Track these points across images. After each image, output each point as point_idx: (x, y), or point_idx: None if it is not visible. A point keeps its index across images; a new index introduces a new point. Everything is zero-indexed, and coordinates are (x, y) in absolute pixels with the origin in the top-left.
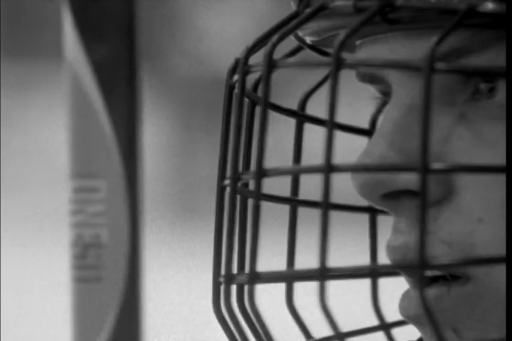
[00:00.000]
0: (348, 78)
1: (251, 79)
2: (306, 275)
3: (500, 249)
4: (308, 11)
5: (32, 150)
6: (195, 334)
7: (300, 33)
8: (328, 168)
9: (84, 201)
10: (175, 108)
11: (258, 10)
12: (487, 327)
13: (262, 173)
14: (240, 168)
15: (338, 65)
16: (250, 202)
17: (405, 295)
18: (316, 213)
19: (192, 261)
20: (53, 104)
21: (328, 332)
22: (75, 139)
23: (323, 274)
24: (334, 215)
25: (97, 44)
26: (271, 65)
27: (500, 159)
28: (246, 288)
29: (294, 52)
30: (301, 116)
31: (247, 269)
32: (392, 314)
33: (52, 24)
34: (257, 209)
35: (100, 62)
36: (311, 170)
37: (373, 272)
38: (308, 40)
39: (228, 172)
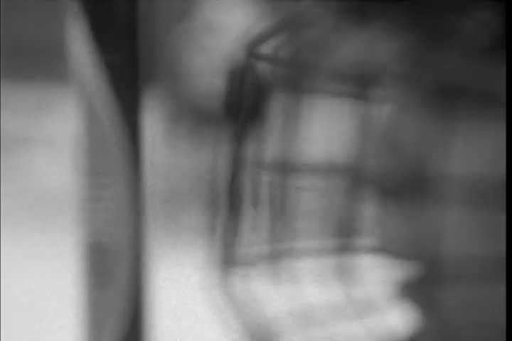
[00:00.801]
0: None
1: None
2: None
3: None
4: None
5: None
6: (200, 338)
7: None
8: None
9: (88, 207)
10: (181, 112)
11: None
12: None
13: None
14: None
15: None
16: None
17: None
18: None
19: (198, 262)
20: (65, 108)
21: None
22: (82, 142)
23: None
24: None
25: (103, 48)
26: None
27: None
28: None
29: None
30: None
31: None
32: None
33: (58, 27)
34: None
35: (107, 65)
36: None
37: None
38: None
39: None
